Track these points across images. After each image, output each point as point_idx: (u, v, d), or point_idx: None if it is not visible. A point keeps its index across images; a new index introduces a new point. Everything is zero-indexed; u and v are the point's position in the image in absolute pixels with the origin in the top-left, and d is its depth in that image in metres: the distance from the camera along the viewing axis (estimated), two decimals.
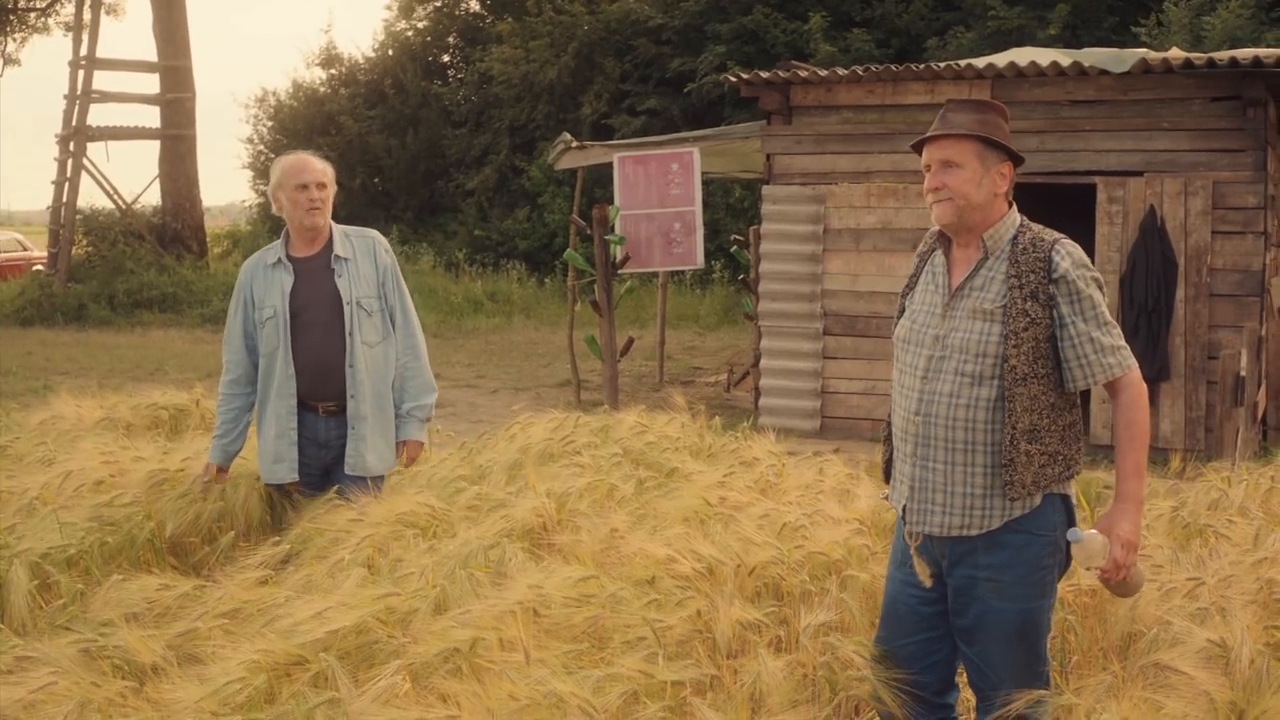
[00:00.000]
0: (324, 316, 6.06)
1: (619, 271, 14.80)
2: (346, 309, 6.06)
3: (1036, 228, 4.27)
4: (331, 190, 6.23)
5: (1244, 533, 5.94)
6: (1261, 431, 12.84)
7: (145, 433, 8.08)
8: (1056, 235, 4.23)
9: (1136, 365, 4.18)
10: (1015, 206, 4.33)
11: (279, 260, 6.14)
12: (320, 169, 6.21)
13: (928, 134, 4.27)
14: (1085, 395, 4.23)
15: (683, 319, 25.10)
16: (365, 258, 6.20)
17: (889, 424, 4.52)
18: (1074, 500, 4.27)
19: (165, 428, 8.41)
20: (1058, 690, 4.28)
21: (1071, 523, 4.23)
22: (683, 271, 25.03)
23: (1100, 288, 4.18)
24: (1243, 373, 10.93)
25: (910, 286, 4.47)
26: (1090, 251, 12.17)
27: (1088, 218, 12.32)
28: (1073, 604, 5.32)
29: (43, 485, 6.15)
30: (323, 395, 6.08)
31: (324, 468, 6.16)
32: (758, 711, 4.29)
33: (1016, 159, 4.28)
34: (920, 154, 4.35)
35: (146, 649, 4.29)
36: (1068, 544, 4.17)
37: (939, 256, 4.37)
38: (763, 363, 13.83)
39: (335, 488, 6.00)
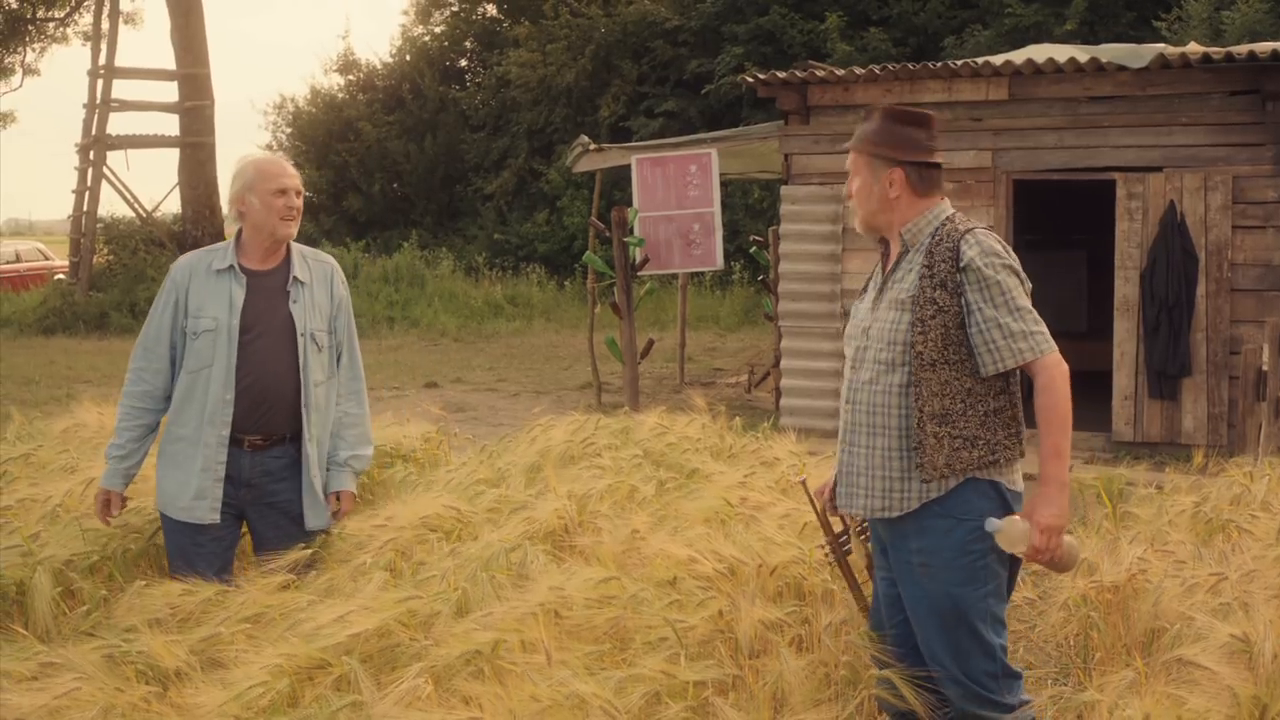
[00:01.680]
0: (272, 343, 5.40)
1: (638, 273, 14.81)
2: (300, 340, 5.42)
3: (959, 219, 4.37)
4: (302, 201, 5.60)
5: (1267, 527, 5.92)
6: None
7: None
8: (971, 226, 4.33)
9: (1054, 350, 4.20)
10: (944, 200, 4.45)
11: (231, 267, 5.42)
12: (296, 175, 5.56)
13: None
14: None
15: (703, 320, 25.11)
16: (321, 286, 5.58)
17: None
18: (1009, 486, 4.29)
19: None
20: (1081, 687, 4.28)
21: (1006, 509, 4.27)
22: (702, 273, 25.04)
23: (1015, 274, 4.25)
24: (1265, 367, 10.87)
25: (863, 290, 4.62)
26: (1110, 248, 12.16)
27: (1107, 214, 12.31)
28: (1095, 601, 5.31)
29: (65, 493, 6.13)
30: (254, 428, 5.39)
31: (239, 509, 5.46)
32: (780, 711, 4.30)
33: (916, 163, 4.39)
34: None
35: (170, 654, 4.30)
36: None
37: (880, 258, 4.57)
38: (783, 363, 13.82)
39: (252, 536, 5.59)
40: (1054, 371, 4.18)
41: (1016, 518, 4.12)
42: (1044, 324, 4.22)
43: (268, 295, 5.43)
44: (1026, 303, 4.22)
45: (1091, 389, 11.74)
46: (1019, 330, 4.16)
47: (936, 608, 4.24)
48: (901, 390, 4.23)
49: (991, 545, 4.20)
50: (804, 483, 4.84)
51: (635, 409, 11.77)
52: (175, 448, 5.42)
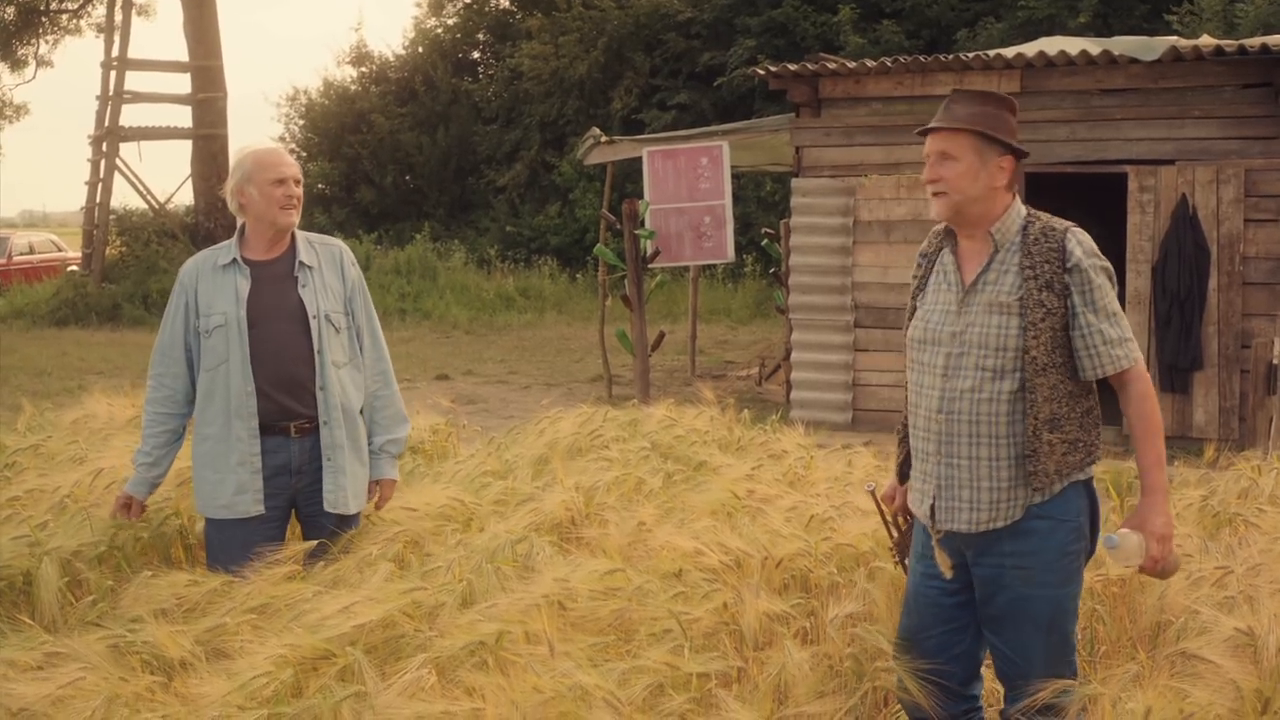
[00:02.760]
0: (286, 328, 5.34)
1: (649, 266, 14.81)
2: (314, 323, 5.35)
3: (1045, 217, 4.26)
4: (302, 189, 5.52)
5: (1274, 521, 5.91)
6: None
7: None
8: (1067, 224, 4.22)
9: (1141, 358, 4.17)
10: (1019, 197, 4.32)
11: (234, 261, 5.39)
12: (295, 164, 5.49)
13: (928, 125, 4.27)
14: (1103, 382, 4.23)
15: (714, 313, 25.10)
16: (331, 269, 5.50)
17: (904, 424, 4.54)
18: (1094, 485, 4.27)
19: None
20: (1085, 680, 4.28)
21: (1094, 508, 4.24)
22: (714, 265, 25.03)
23: (1110, 278, 4.17)
24: (1275, 361, 10.86)
25: (920, 287, 4.45)
26: (1122, 241, 12.14)
27: (1119, 207, 12.28)
28: (1101, 594, 5.30)
29: (74, 483, 6.13)
30: (288, 415, 5.33)
31: (290, 499, 5.42)
32: (784, 703, 4.29)
33: (1019, 153, 4.26)
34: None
35: (175, 644, 4.31)
36: (1093, 531, 4.22)
37: (947, 255, 4.36)
38: (794, 356, 13.83)
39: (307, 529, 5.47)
40: (1146, 380, 4.16)
41: (1128, 531, 4.04)
42: (1131, 331, 4.19)
43: (274, 283, 5.38)
44: (1120, 308, 4.17)
45: (1103, 382, 11.71)
46: (1116, 338, 4.11)
47: (1034, 612, 4.16)
48: (1011, 397, 4.11)
49: (1084, 547, 4.19)
50: (872, 492, 4.74)
51: (645, 401, 11.77)
52: (205, 447, 5.38)
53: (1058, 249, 4.12)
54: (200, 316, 5.34)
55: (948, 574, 4.31)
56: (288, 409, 5.32)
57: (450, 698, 3.79)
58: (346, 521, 5.45)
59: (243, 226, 5.49)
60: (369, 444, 5.59)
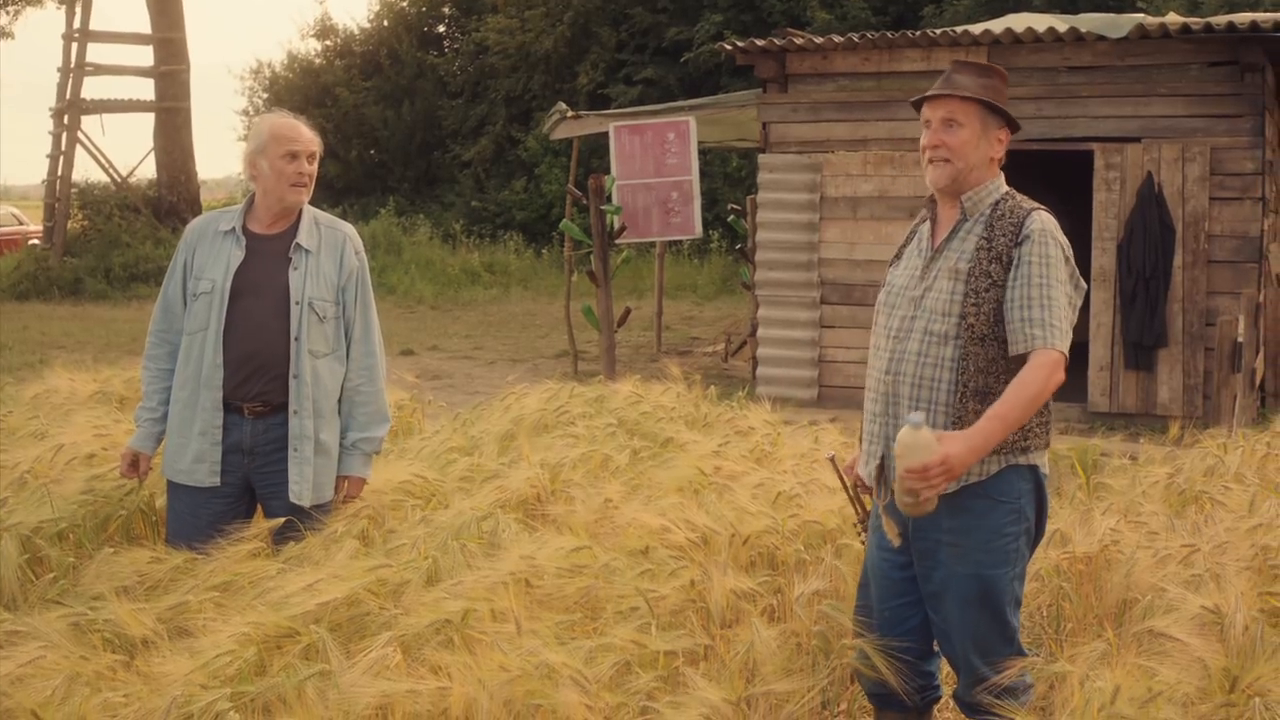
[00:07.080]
0: (266, 308, 5.20)
1: (616, 242, 14.77)
2: (294, 309, 5.20)
3: (1020, 198, 4.27)
4: (317, 166, 5.42)
5: (1239, 499, 5.93)
6: (1259, 398, 12.83)
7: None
8: (1037, 205, 4.24)
9: (1059, 350, 4.04)
10: (1003, 176, 4.34)
11: (233, 229, 5.28)
12: (312, 138, 5.40)
13: (932, 92, 4.27)
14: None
15: (680, 289, 25.09)
16: (330, 254, 5.34)
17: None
18: (1045, 473, 4.24)
19: None
20: (1052, 658, 4.27)
21: (1041, 495, 4.22)
22: (680, 241, 25.00)
23: (1067, 264, 4.16)
24: (1240, 339, 10.90)
25: (897, 256, 4.47)
26: (1087, 219, 12.16)
27: (1085, 184, 12.30)
28: (1068, 571, 5.31)
29: (35, 459, 6.08)
30: (249, 395, 5.20)
31: (245, 479, 5.26)
32: (752, 681, 4.28)
33: (1014, 126, 4.31)
34: (919, 111, 4.35)
35: (137, 622, 4.26)
36: (1038, 519, 4.22)
37: (925, 225, 4.39)
38: (760, 332, 13.82)
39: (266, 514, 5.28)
40: (1046, 362, 4.01)
41: (931, 433, 3.87)
42: (1068, 324, 4.10)
43: (267, 260, 5.26)
44: (1062, 297, 4.10)
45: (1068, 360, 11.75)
46: (1039, 319, 4.03)
47: (964, 590, 4.15)
48: (953, 364, 4.11)
49: (1025, 528, 4.16)
50: (833, 459, 4.68)
51: (611, 377, 11.74)
52: (174, 409, 5.29)
53: (1017, 224, 4.15)
54: (192, 279, 5.26)
55: (895, 542, 4.28)
56: (249, 388, 5.20)
57: (416, 676, 3.77)
58: (302, 512, 5.25)
59: (252, 195, 5.40)
60: (342, 439, 5.41)
